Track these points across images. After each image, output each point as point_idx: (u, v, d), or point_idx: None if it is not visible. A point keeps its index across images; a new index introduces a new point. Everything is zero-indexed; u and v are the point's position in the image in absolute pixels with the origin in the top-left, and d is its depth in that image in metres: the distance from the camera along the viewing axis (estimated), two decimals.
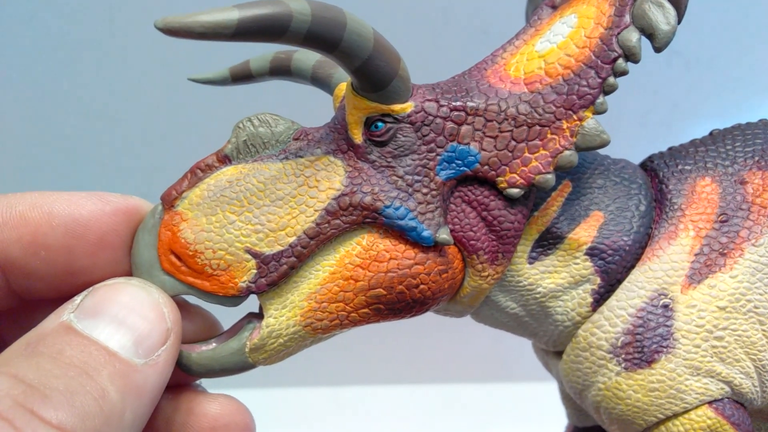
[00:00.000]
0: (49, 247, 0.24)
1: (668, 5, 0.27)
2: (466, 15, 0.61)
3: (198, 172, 0.27)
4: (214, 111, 0.62)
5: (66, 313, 0.22)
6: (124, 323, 0.22)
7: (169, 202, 0.26)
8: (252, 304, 0.28)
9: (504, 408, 0.68)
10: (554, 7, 0.31)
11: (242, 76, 0.34)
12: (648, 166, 0.32)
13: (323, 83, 0.32)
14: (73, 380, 0.20)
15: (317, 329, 0.27)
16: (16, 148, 0.72)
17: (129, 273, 0.26)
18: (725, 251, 0.29)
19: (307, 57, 0.33)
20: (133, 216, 0.26)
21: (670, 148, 0.33)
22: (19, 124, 0.71)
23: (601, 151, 0.30)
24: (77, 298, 0.22)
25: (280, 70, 0.33)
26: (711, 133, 0.33)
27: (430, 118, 0.27)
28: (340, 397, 0.77)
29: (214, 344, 0.27)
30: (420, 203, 0.27)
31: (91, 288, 0.23)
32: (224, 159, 0.27)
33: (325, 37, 0.23)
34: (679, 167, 0.31)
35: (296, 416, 0.73)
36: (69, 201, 0.24)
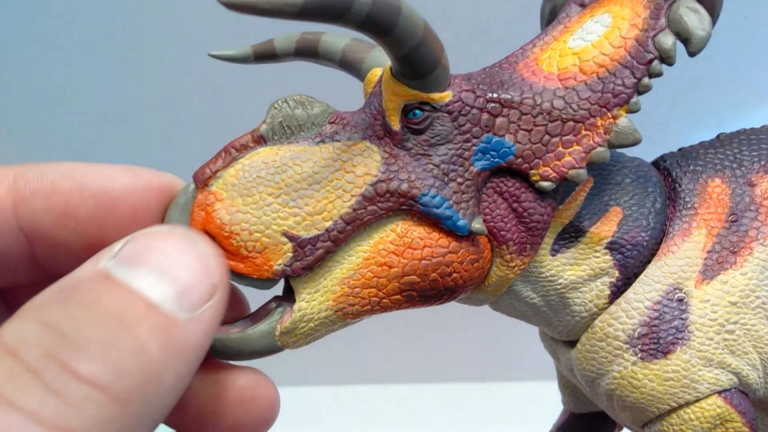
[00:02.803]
0: (80, 219, 0.23)
1: (703, 11, 0.27)
2: (465, 16, 0.61)
3: (233, 152, 0.26)
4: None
5: (104, 260, 0.20)
6: (167, 274, 0.20)
7: (202, 180, 0.26)
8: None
9: (504, 408, 0.69)
10: (583, 6, 0.31)
11: (265, 55, 0.33)
12: (661, 165, 0.34)
13: (353, 68, 0.32)
14: (110, 332, 0.18)
15: (348, 314, 0.27)
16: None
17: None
18: (736, 249, 0.30)
19: (336, 39, 0.32)
20: (165, 192, 0.25)
21: (680, 149, 0.34)
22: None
23: None
24: (116, 245, 0.20)
25: (307, 52, 0.33)
26: (718, 137, 0.34)
27: (467, 108, 0.27)
28: (340, 396, 0.77)
29: (240, 327, 0.27)
30: (455, 192, 0.27)
31: (131, 235, 0.21)
32: (259, 139, 0.27)
33: (382, 21, 0.23)
34: (691, 168, 0.33)
35: (296, 416, 0.73)
36: (101, 173, 0.24)
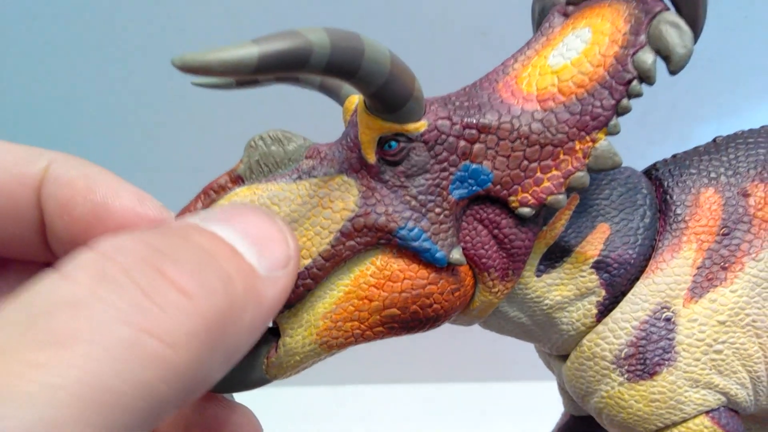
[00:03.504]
0: (74, 216, 0.24)
1: (685, 27, 0.26)
2: (465, 17, 0.60)
3: (211, 193, 0.27)
4: (222, 116, 0.61)
5: (190, 218, 0.21)
6: (249, 234, 0.21)
7: None
8: None
9: (504, 408, 0.69)
10: (566, 15, 0.30)
11: (247, 80, 0.33)
12: (653, 174, 0.33)
13: (332, 92, 0.32)
14: (203, 258, 0.19)
15: (332, 346, 0.28)
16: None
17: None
18: (726, 265, 0.29)
19: None
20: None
21: (674, 156, 0.33)
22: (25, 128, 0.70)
23: None
24: (199, 212, 0.22)
25: (287, 76, 0.32)
26: (714, 140, 0.33)
27: (443, 136, 0.27)
28: (340, 396, 0.78)
29: None
30: (433, 223, 0.27)
31: (211, 207, 0.23)
32: (237, 179, 0.27)
33: (344, 66, 0.23)
34: (683, 177, 0.32)
35: (296, 416, 0.74)
36: (113, 186, 0.24)
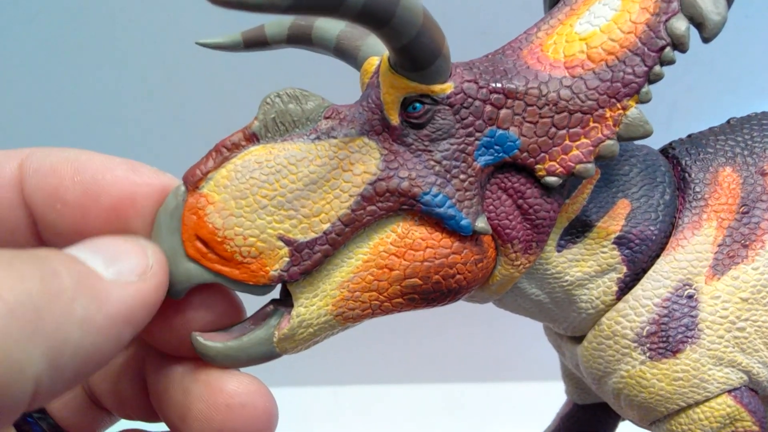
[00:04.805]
0: (66, 201, 0.23)
1: None
2: (465, 15, 0.59)
3: (224, 151, 0.25)
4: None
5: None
6: (99, 250, 0.22)
7: (193, 183, 0.24)
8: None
9: (504, 408, 0.69)
10: None
11: (256, 42, 0.31)
12: (669, 153, 0.32)
13: (348, 56, 0.30)
14: (20, 255, 0.19)
15: (348, 318, 0.26)
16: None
17: None
18: (747, 243, 0.29)
19: (331, 26, 0.31)
20: (159, 192, 0.24)
21: (689, 136, 0.33)
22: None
23: None
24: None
25: (299, 39, 0.31)
26: (728, 122, 0.33)
27: (470, 100, 0.26)
28: (340, 396, 0.77)
29: (237, 333, 0.26)
30: (458, 190, 0.26)
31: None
32: (251, 137, 0.25)
33: (379, 12, 0.22)
34: (701, 156, 0.31)
35: (296, 416, 0.73)
36: (101, 162, 0.24)
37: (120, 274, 0.21)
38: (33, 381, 0.18)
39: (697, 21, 0.26)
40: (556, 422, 0.41)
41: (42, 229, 0.24)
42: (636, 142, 0.32)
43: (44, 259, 0.19)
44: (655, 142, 0.33)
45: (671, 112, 0.64)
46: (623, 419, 0.40)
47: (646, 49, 0.26)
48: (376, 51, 0.30)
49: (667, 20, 0.26)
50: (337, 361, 0.76)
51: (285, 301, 0.26)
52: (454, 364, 0.77)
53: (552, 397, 0.41)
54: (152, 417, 0.27)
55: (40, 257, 0.19)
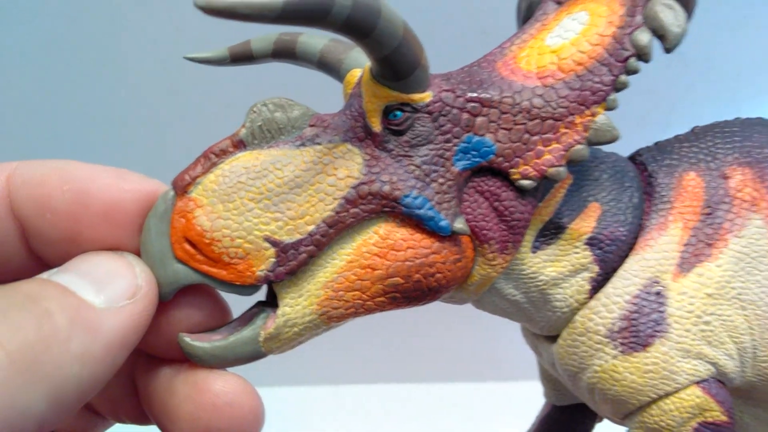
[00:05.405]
0: (56, 210, 0.24)
1: (678, 7, 0.28)
2: (466, 15, 0.61)
3: (212, 157, 0.26)
4: (217, 94, 0.60)
5: (42, 274, 0.23)
6: (89, 274, 0.22)
7: (181, 187, 0.25)
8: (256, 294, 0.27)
9: (503, 408, 0.69)
10: (559, 3, 0.32)
11: (242, 56, 0.32)
12: (637, 159, 0.34)
13: (332, 69, 0.32)
14: (14, 300, 0.20)
15: (332, 318, 0.27)
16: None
17: (134, 254, 0.25)
18: (711, 242, 0.31)
19: (314, 41, 0.32)
20: (147, 198, 0.25)
21: (656, 143, 0.35)
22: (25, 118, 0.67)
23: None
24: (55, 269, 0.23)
25: (284, 53, 0.32)
26: (693, 130, 0.35)
27: (448, 108, 0.27)
28: (339, 396, 0.77)
29: (224, 334, 0.26)
30: (437, 193, 0.27)
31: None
32: (239, 144, 0.26)
33: (362, 23, 0.23)
34: (666, 162, 0.33)
35: (295, 415, 0.72)
36: (88, 171, 0.24)
37: (111, 301, 0.22)
38: (37, 422, 0.19)
39: (659, 33, 0.28)
40: (535, 425, 0.42)
41: (32, 239, 0.24)
42: (605, 150, 0.34)
43: (37, 301, 0.20)
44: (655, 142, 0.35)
45: (671, 113, 0.64)
46: (600, 420, 0.41)
47: (612, 59, 0.28)
48: (358, 64, 0.31)
49: (631, 33, 0.28)
50: (336, 361, 0.76)
51: (271, 303, 0.27)
52: (453, 364, 0.78)
53: None
54: (144, 419, 0.27)
55: (32, 298, 0.20)
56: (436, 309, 0.29)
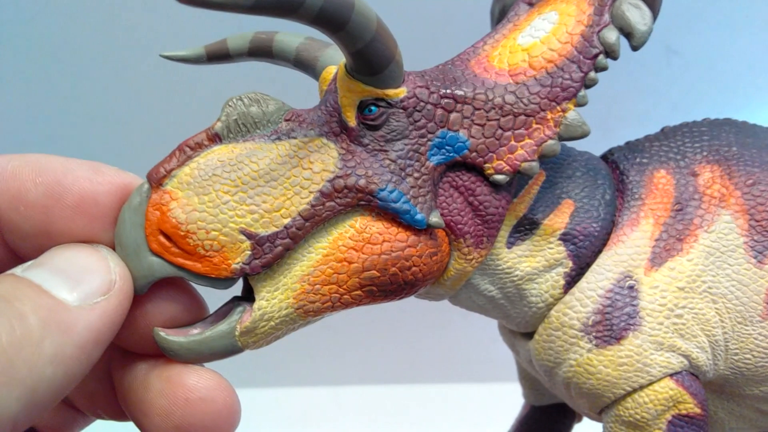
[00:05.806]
0: (29, 203, 0.24)
1: (644, 6, 0.29)
2: (465, 15, 0.61)
3: (187, 150, 0.26)
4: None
5: (13, 269, 0.22)
6: (63, 271, 0.22)
7: (156, 180, 0.25)
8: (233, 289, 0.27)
9: (503, 408, 0.69)
10: (530, 4, 0.32)
11: (218, 55, 0.33)
12: (609, 158, 0.35)
13: (307, 66, 0.32)
14: None
15: (309, 312, 0.27)
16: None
17: (108, 246, 0.25)
18: (681, 237, 0.31)
19: (291, 39, 0.32)
20: (122, 190, 0.25)
21: (627, 143, 0.36)
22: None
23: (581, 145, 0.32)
24: (27, 263, 0.23)
25: (260, 51, 0.32)
26: (662, 130, 0.36)
27: (422, 104, 0.28)
28: (338, 396, 0.76)
29: (199, 328, 0.26)
30: (412, 187, 0.27)
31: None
32: (214, 137, 0.26)
33: (335, 16, 0.23)
34: (638, 160, 0.34)
35: (295, 416, 0.72)
36: (62, 164, 0.24)
37: (85, 298, 0.22)
38: (11, 422, 0.19)
39: (626, 31, 0.29)
40: (515, 426, 0.42)
41: (6, 233, 0.24)
42: (578, 148, 0.35)
43: (10, 302, 0.20)
44: None
45: (671, 113, 0.65)
46: (579, 420, 0.41)
47: (581, 57, 0.29)
48: (334, 61, 0.32)
49: (599, 31, 0.29)
50: (335, 361, 0.75)
51: (247, 298, 0.27)
52: (453, 365, 0.78)
53: None
54: (123, 416, 0.27)
55: (6, 299, 0.20)
56: (435, 310, 0.29)
